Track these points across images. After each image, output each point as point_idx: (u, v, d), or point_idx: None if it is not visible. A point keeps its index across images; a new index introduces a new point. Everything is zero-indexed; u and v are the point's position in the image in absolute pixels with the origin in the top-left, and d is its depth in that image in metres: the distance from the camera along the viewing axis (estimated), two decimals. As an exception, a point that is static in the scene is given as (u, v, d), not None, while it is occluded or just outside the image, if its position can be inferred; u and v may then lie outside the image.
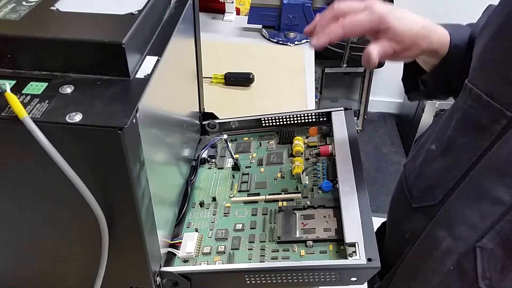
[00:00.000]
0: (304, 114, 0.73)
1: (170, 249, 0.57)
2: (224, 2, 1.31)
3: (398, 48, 0.57)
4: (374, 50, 0.54)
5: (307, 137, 0.71)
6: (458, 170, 0.54)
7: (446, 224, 0.55)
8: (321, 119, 0.72)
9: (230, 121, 0.76)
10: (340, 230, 0.55)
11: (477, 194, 0.52)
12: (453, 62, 0.61)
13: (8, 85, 0.39)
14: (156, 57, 0.47)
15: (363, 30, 0.56)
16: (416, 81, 0.67)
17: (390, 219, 0.72)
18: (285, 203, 0.61)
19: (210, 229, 0.60)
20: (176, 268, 0.54)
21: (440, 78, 0.63)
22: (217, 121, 0.76)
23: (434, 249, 0.56)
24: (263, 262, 0.54)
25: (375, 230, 0.56)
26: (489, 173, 0.51)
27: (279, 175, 0.66)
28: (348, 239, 0.51)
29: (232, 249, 0.57)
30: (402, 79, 0.71)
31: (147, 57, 0.47)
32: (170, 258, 0.57)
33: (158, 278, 0.53)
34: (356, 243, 0.50)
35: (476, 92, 0.52)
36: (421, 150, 0.64)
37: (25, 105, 0.39)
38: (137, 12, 0.47)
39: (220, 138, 0.70)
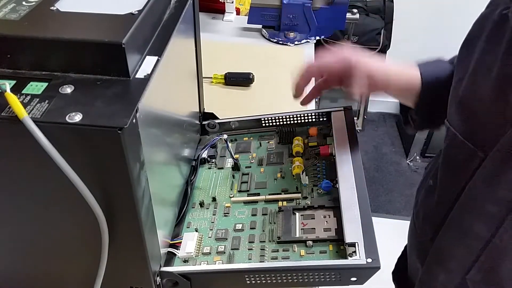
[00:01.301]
0: (304, 114, 0.73)
1: (170, 249, 0.57)
2: (224, 2, 1.31)
3: (368, 82, 0.60)
4: (356, 87, 0.59)
5: (307, 137, 0.70)
6: (443, 208, 0.56)
7: (438, 260, 0.58)
8: (321, 119, 0.72)
9: (230, 121, 0.76)
10: (340, 230, 0.54)
11: (460, 230, 0.54)
12: (431, 99, 0.63)
13: (8, 85, 0.39)
14: (156, 57, 0.47)
15: (332, 67, 0.61)
16: (407, 117, 0.70)
17: (407, 245, 0.75)
18: (285, 203, 0.61)
19: (210, 229, 0.60)
20: (176, 268, 0.54)
21: (423, 114, 0.66)
22: (217, 121, 0.76)
23: (433, 281, 0.60)
24: (263, 262, 0.54)
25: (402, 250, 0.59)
26: (467, 210, 0.53)
27: (279, 175, 0.66)
28: (348, 239, 0.51)
29: (232, 249, 0.57)
30: (400, 112, 0.74)
31: (147, 57, 0.47)
32: (170, 258, 0.57)
33: (158, 278, 0.53)
34: (356, 243, 0.50)
35: (452, 131, 0.54)
36: (425, 181, 0.66)
37: (25, 105, 0.39)
38: (137, 12, 0.47)
39: (220, 138, 0.70)
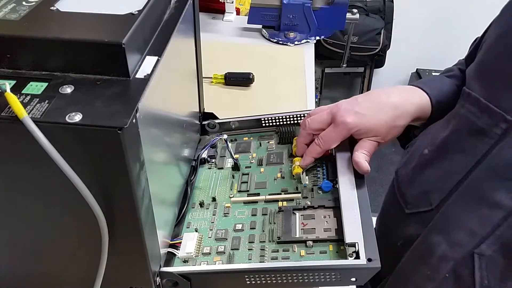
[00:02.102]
0: (304, 114, 0.73)
1: (170, 249, 0.57)
2: (224, 2, 1.31)
3: (379, 139, 0.59)
4: (360, 158, 0.58)
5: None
6: (455, 175, 0.53)
7: (442, 229, 0.54)
8: (321, 119, 0.72)
9: (230, 121, 0.76)
10: (340, 230, 0.54)
11: (476, 199, 0.51)
12: (440, 116, 0.61)
13: (8, 85, 0.39)
14: (156, 57, 0.47)
15: (338, 142, 0.61)
16: (409, 135, 0.68)
17: (381, 225, 0.71)
18: (285, 203, 0.61)
19: (210, 229, 0.60)
20: (176, 268, 0.54)
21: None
22: (217, 121, 0.76)
23: (428, 256, 0.55)
24: (263, 262, 0.54)
25: None
26: (489, 177, 0.50)
27: (279, 175, 0.66)
28: (348, 239, 0.51)
29: (232, 249, 0.57)
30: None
31: (147, 57, 0.47)
32: (170, 258, 0.57)
33: (158, 278, 0.53)
34: (356, 243, 0.50)
35: (474, 96, 0.52)
36: (413, 155, 0.63)
37: (25, 105, 0.39)
38: (137, 12, 0.47)
39: (220, 138, 0.70)
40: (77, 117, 0.38)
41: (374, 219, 0.53)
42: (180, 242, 0.58)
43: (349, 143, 0.63)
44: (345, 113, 0.59)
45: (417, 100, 0.61)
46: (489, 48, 0.55)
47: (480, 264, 0.51)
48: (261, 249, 0.56)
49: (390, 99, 0.60)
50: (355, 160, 0.59)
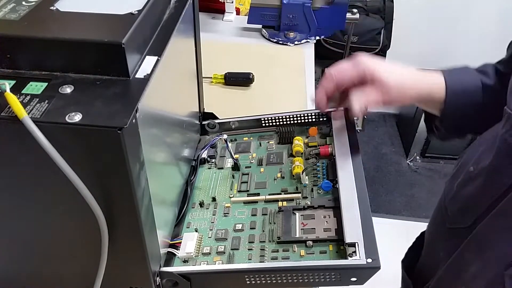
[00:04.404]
0: (304, 114, 0.73)
1: (170, 249, 0.57)
2: (224, 2, 1.31)
3: (385, 98, 0.59)
4: (356, 104, 0.58)
5: (307, 137, 0.70)
6: (491, 196, 0.53)
7: (476, 248, 0.55)
8: (321, 119, 0.72)
9: (230, 121, 0.76)
10: (340, 230, 0.54)
11: (508, 221, 0.51)
12: (458, 108, 0.61)
13: (8, 85, 0.39)
14: (156, 57, 0.47)
15: (351, 78, 0.60)
16: (431, 122, 0.68)
17: (428, 234, 0.72)
18: (285, 203, 0.61)
19: (210, 229, 0.60)
20: (176, 268, 0.54)
21: (448, 123, 0.64)
22: (217, 121, 0.76)
23: (463, 272, 0.56)
24: (263, 262, 0.54)
25: (414, 239, 0.56)
26: None
27: (279, 175, 0.66)
28: (348, 239, 0.51)
29: (232, 249, 0.57)
30: (424, 120, 0.70)
31: (147, 57, 0.47)
32: (170, 258, 0.57)
33: (158, 278, 0.53)
34: (356, 243, 0.50)
35: None
36: (460, 170, 0.63)
37: (24, 105, 0.39)
38: (137, 12, 0.47)
39: (220, 138, 0.70)
40: (77, 117, 0.38)
41: (374, 219, 0.53)
42: (180, 242, 0.58)
43: (349, 143, 0.63)
44: (364, 56, 0.60)
45: (432, 81, 0.61)
46: None
47: (511, 286, 0.51)
48: (261, 249, 0.56)
49: (410, 70, 0.61)
50: (350, 104, 0.59)
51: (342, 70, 0.60)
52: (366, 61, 0.59)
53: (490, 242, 0.53)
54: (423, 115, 0.69)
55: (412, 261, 0.74)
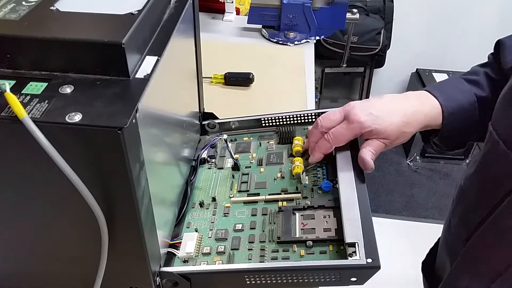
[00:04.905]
0: (304, 114, 0.73)
1: (170, 249, 0.57)
2: (224, 2, 1.31)
3: (387, 142, 0.59)
4: (367, 155, 0.58)
5: (307, 137, 0.70)
6: (481, 211, 0.53)
7: (469, 262, 0.56)
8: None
9: (230, 121, 0.76)
10: (340, 230, 0.54)
11: (498, 235, 0.51)
12: (455, 127, 0.60)
13: (7, 85, 0.39)
14: (156, 57, 0.47)
15: (348, 140, 0.61)
16: (429, 139, 0.67)
17: (440, 241, 0.72)
18: (285, 203, 0.61)
19: (210, 229, 0.60)
20: (176, 268, 0.54)
21: (446, 141, 0.64)
22: (217, 121, 0.76)
23: (458, 284, 0.58)
24: (263, 262, 0.54)
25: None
26: (507, 219, 0.49)
27: (279, 175, 0.66)
28: (348, 239, 0.51)
29: (232, 249, 0.57)
30: (421, 139, 0.70)
31: (147, 57, 0.47)
32: (170, 258, 0.57)
33: (157, 278, 0.53)
34: (356, 243, 0.50)
35: (495, 138, 0.49)
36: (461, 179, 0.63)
37: (24, 105, 0.39)
38: (137, 12, 0.47)
39: (220, 138, 0.70)
40: (77, 117, 0.38)
41: (374, 219, 0.53)
42: (180, 242, 0.58)
43: (349, 145, 0.63)
44: (359, 112, 0.59)
45: (429, 110, 0.60)
46: None
47: None
48: (261, 249, 0.56)
49: (402, 105, 0.60)
50: (361, 157, 0.58)
51: (338, 135, 0.60)
52: (360, 120, 0.58)
53: (481, 256, 0.54)
54: (420, 133, 0.68)
55: (430, 266, 0.75)
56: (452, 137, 0.63)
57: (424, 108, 0.60)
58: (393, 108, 0.60)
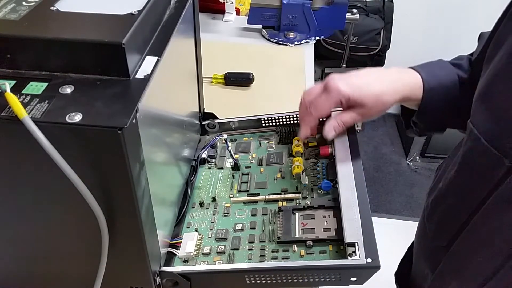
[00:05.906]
0: (304, 114, 0.72)
1: (170, 249, 0.57)
2: (224, 2, 1.31)
3: (363, 112, 0.60)
4: (330, 129, 0.61)
5: (307, 137, 0.70)
6: (463, 214, 0.52)
7: (453, 267, 0.55)
8: (321, 119, 0.72)
9: (230, 121, 0.76)
10: (340, 230, 0.54)
11: (481, 239, 0.51)
12: (435, 104, 0.61)
13: (8, 85, 0.39)
14: (156, 57, 0.47)
15: (329, 109, 0.61)
16: (409, 122, 0.68)
17: (415, 249, 0.72)
18: (285, 203, 0.61)
19: (210, 229, 0.60)
20: (176, 268, 0.54)
21: (425, 119, 0.64)
22: (217, 121, 0.76)
23: None
24: (263, 262, 0.54)
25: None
26: (491, 220, 0.49)
27: (279, 175, 0.66)
28: (348, 239, 0.51)
29: (232, 249, 0.57)
30: (401, 115, 0.71)
31: (147, 57, 0.47)
32: (170, 258, 0.57)
33: (158, 278, 0.53)
34: (356, 243, 0.50)
35: (476, 134, 0.49)
36: (435, 186, 0.63)
37: (25, 105, 0.39)
38: (137, 12, 0.47)
39: (220, 138, 0.70)
40: (77, 117, 0.38)
41: (374, 219, 0.53)
42: (180, 242, 0.58)
43: (349, 143, 0.63)
44: (338, 81, 0.59)
45: (408, 81, 0.61)
46: (499, 69, 0.49)
47: None
48: (261, 249, 0.56)
49: (381, 75, 0.61)
50: (325, 125, 0.61)
51: (318, 104, 0.60)
52: (338, 88, 0.58)
53: (465, 261, 0.53)
54: (400, 109, 0.69)
55: (404, 275, 0.74)
56: (432, 114, 0.62)
57: (403, 78, 0.61)
58: (371, 77, 0.60)
